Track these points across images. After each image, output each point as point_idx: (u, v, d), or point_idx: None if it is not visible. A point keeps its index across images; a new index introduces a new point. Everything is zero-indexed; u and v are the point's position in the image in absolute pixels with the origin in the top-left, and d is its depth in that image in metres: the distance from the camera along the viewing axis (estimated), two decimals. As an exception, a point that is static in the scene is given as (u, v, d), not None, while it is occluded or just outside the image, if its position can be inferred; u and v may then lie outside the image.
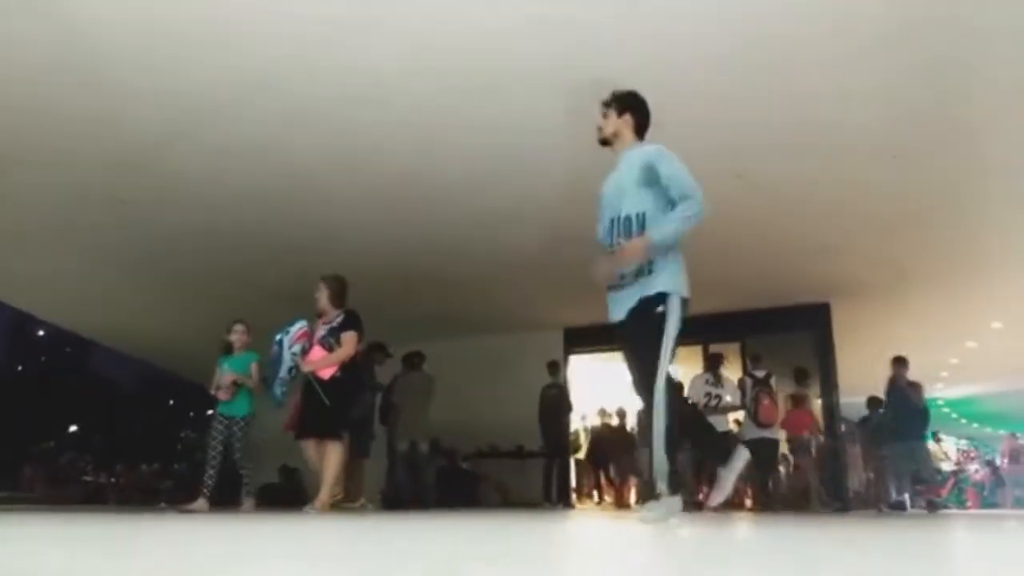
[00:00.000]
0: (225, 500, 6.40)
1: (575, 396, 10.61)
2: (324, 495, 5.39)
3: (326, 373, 5.46)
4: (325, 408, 5.37)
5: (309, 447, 5.46)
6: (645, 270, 3.31)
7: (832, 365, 9.93)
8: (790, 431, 8.89)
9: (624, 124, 3.57)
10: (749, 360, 9.15)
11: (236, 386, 6.17)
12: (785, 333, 10.05)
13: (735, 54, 4.85)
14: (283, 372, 5.64)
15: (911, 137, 5.91)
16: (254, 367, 6.28)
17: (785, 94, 5.33)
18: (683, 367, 10.06)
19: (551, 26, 4.63)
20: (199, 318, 10.08)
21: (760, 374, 8.33)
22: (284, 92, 5.36)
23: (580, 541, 2.42)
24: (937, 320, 11.10)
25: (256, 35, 4.73)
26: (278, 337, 5.71)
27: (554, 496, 9.04)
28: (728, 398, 8.13)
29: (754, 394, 8.11)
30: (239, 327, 6.40)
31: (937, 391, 15.73)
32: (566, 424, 9.53)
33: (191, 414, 16.37)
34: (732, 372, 8.99)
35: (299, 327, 5.69)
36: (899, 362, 8.52)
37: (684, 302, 3.28)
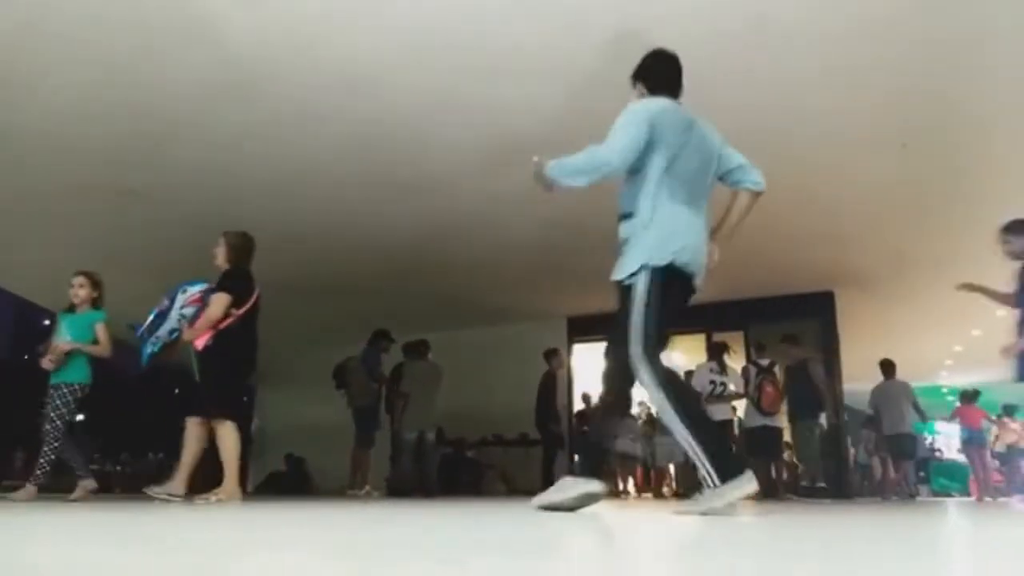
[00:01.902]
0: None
1: (579, 384, 10.63)
2: (228, 484, 4.76)
3: (200, 343, 4.82)
4: (199, 384, 4.86)
5: (189, 426, 4.88)
6: (620, 249, 3.13)
7: (836, 353, 9.93)
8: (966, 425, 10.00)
9: (636, 94, 3.36)
10: (753, 348, 9.16)
11: (67, 355, 5.17)
12: (789, 321, 10.04)
13: (736, 38, 4.81)
14: (163, 331, 4.97)
15: (919, 125, 5.88)
16: (100, 327, 5.25)
17: (790, 80, 5.30)
18: (688, 356, 10.12)
19: (551, 10, 4.60)
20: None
21: (764, 362, 8.34)
22: (283, 81, 5.34)
23: (580, 528, 2.43)
24: (942, 307, 11.05)
25: (255, 24, 4.71)
26: (173, 291, 5.05)
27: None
28: (732, 386, 8.16)
29: (758, 382, 8.13)
30: (78, 279, 5.36)
31: (941, 379, 15.72)
32: (555, 412, 9.43)
33: (196, 403, 16.41)
34: (737, 361, 9.01)
35: (200, 288, 5.03)
36: (786, 340, 8.51)
37: (656, 270, 2.99)
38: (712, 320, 9.44)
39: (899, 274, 9.33)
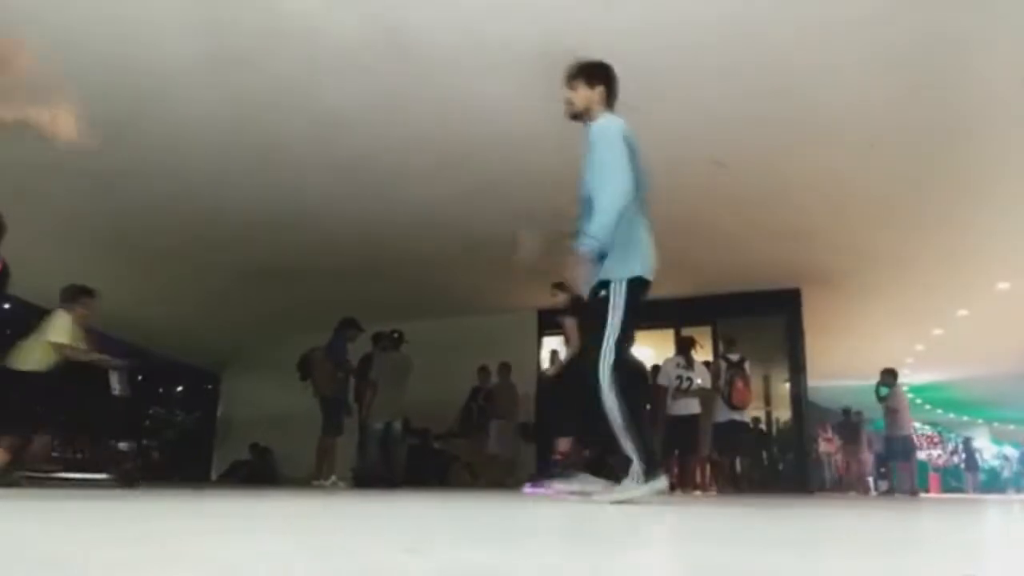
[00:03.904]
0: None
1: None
2: None
3: None
4: None
5: None
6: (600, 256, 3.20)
7: (801, 350, 10.06)
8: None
9: (597, 96, 3.37)
10: (723, 344, 9.24)
11: None
12: (755, 317, 10.17)
13: (714, 36, 4.84)
14: None
15: (886, 129, 5.97)
16: None
17: (765, 81, 5.35)
18: (656, 350, 10.18)
19: (522, 5, 4.60)
20: (171, 293, 9.96)
21: (734, 358, 8.40)
22: (255, 66, 5.27)
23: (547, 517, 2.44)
24: (904, 307, 11.27)
25: (227, 8, 4.65)
26: None
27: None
28: (699, 380, 8.19)
29: (728, 377, 8.18)
30: None
31: (903, 377, 16.01)
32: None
33: (160, 390, 16.14)
34: (703, 355, 9.07)
35: None
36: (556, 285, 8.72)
37: (633, 282, 3.17)
38: (680, 315, 9.53)
39: (865, 272, 9.47)
